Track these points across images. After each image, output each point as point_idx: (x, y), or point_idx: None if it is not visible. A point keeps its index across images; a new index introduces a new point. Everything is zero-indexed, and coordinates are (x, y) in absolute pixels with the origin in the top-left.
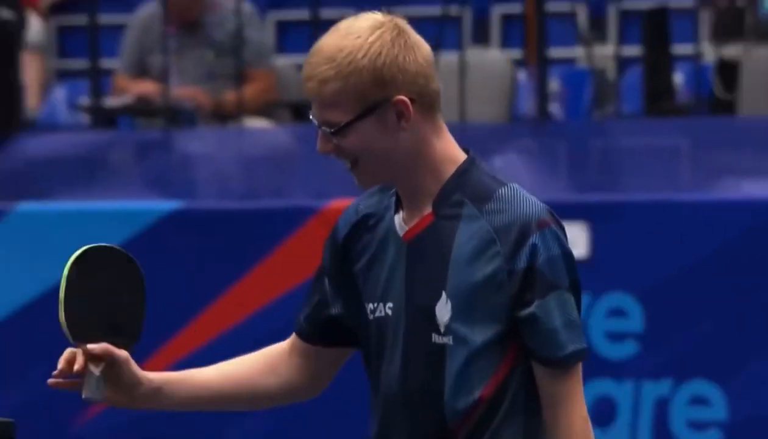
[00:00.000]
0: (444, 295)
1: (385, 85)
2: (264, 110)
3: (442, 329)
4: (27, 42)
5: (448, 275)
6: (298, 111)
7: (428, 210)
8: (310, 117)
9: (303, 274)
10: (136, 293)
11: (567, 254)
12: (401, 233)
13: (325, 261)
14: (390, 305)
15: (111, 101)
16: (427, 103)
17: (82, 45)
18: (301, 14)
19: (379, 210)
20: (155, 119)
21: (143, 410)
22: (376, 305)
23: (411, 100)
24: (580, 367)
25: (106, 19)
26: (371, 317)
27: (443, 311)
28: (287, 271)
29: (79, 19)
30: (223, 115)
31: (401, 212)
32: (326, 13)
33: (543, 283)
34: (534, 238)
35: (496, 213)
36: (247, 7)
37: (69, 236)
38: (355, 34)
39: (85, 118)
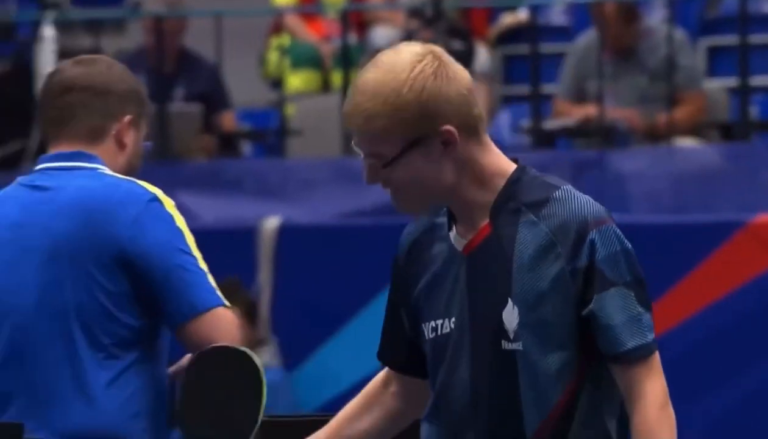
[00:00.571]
0: (510, 301)
1: (431, 117)
2: (694, 130)
3: (511, 335)
4: (475, 70)
5: (512, 282)
6: (727, 131)
7: (484, 222)
8: (354, 147)
9: (727, 286)
10: (252, 395)
11: (627, 250)
12: (459, 248)
13: (393, 289)
14: (453, 319)
15: (551, 124)
16: (469, 128)
17: (525, 72)
18: (731, 39)
19: (431, 231)
20: (591, 140)
21: None
22: (440, 322)
23: (455, 128)
24: (653, 359)
25: (547, 48)
26: (432, 335)
27: (511, 317)
28: (713, 283)
29: (523, 49)
30: (655, 136)
31: (455, 228)
32: (755, 38)
33: (602, 279)
34: (592, 234)
35: (553, 216)
36: (679, 34)
37: None
38: (399, 69)
39: (526, 139)
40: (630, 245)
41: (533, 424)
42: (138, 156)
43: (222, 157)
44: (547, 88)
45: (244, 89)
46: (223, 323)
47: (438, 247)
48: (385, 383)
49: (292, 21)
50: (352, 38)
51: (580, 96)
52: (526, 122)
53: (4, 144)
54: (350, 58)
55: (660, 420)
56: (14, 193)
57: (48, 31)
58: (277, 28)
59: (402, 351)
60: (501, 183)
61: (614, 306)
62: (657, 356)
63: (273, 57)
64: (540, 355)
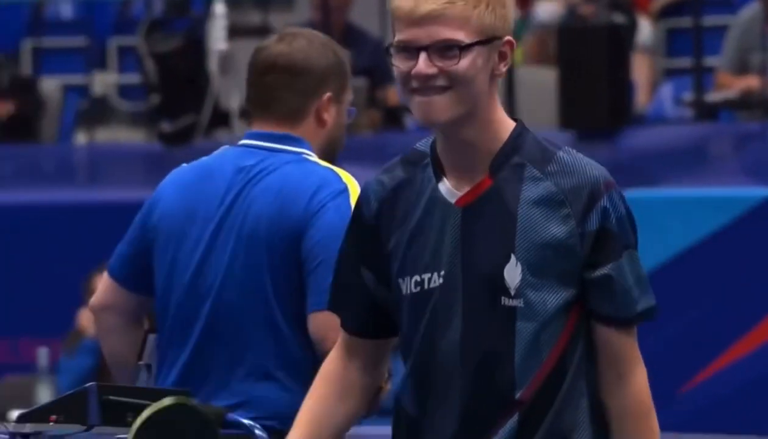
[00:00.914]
0: (513, 257)
1: (505, 22)
2: None
3: (512, 292)
4: (638, 43)
5: (516, 237)
6: None
7: (483, 175)
8: (400, 44)
9: None
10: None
11: (630, 212)
12: (452, 200)
13: (355, 246)
14: (442, 273)
15: (713, 96)
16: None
17: (688, 45)
18: None
19: (410, 182)
20: (754, 112)
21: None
22: (427, 276)
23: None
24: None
25: (710, 20)
26: (417, 289)
27: (513, 273)
28: None
29: (686, 21)
30: None
31: (444, 180)
32: None
33: (616, 243)
34: (604, 200)
35: (561, 175)
36: None
37: (672, 219)
38: None
39: (688, 112)
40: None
41: (523, 381)
42: (340, 129)
43: (387, 131)
44: (710, 61)
45: None
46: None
47: (418, 199)
48: (346, 361)
49: None
50: (515, 14)
51: (742, 68)
52: (688, 95)
53: (176, 118)
54: (514, 34)
55: (651, 405)
56: (220, 167)
57: (219, 8)
58: None
59: (364, 313)
60: (503, 133)
61: (629, 269)
62: None
63: None
64: (539, 312)
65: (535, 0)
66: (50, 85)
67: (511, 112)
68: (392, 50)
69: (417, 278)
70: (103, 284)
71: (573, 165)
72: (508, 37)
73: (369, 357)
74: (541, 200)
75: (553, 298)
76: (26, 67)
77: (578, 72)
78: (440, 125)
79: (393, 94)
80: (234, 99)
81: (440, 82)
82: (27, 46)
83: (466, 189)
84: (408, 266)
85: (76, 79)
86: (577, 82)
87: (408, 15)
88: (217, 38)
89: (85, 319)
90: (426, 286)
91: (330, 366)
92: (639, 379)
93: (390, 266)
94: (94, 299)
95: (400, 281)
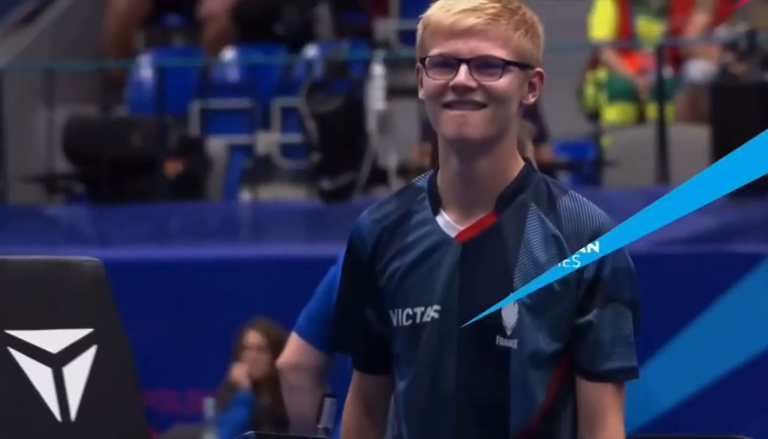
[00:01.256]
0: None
1: (539, 52)
2: None
3: (508, 332)
4: None
5: (515, 277)
6: None
7: (487, 210)
8: (439, 56)
9: None
10: None
11: (631, 269)
12: (452, 234)
13: (352, 286)
14: (437, 307)
15: None
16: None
17: None
18: None
19: (406, 216)
20: None
21: None
22: (420, 309)
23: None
24: (623, 385)
25: None
26: (408, 322)
27: (510, 314)
28: None
29: None
30: None
31: (444, 213)
32: None
33: (604, 294)
34: None
35: (564, 219)
36: None
37: None
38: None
39: None
40: (633, 264)
41: (519, 425)
42: None
43: None
44: None
45: (562, 122)
46: None
47: (413, 233)
48: (368, 409)
49: (609, 55)
50: (668, 72)
51: None
52: None
53: (336, 176)
54: (665, 92)
55: None
56: None
57: (378, 69)
58: (595, 62)
59: (373, 351)
60: (513, 171)
61: (610, 323)
62: (624, 385)
63: (590, 90)
64: (532, 355)
65: (687, 59)
66: (216, 145)
67: (664, 170)
68: (427, 63)
69: (409, 311)
70: (292, 343)
71: (577, 211)
72: (539, 69)
73: (388, 397)
74: (542, 243)
75: (547, 341)
76: (194, 127)
77: (731, 130)
78: (471, 142)
79: (547, 152)
80: (392, 157)
81: (477, 97)
82: (195, 107)
83: (468, 224)
84: (400, 298)
85: (241, 139)
86: (729, 140)
87: (449, 28)
88: (376, 98)
89: (237, 372)
90: (418, 319)
91: (354, 423)
92: (607, 436)
93: (384, 299)
94: (283, 359)
95: (391, 312)
